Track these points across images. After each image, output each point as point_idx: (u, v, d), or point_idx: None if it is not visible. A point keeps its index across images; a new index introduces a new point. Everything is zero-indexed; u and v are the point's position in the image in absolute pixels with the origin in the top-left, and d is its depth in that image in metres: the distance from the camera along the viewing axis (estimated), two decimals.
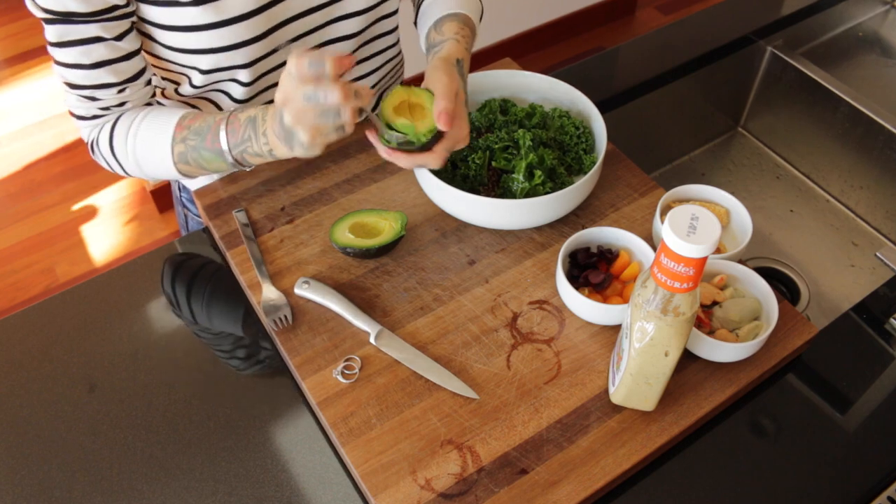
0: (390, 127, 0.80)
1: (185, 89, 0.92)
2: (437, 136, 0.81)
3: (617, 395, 0.76)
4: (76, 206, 2.31)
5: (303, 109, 0.71)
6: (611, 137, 0.97)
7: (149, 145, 0.86)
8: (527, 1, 2.56)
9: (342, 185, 0.98)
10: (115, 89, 0.85)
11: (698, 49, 1.27)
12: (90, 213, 2.29)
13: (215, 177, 1.01)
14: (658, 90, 1.25)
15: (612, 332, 0.84)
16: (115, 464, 0.78)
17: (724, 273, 0.84)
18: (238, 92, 0.92)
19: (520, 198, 0.90)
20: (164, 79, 0.94)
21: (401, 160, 0.81)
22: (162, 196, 2.24)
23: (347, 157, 1.01)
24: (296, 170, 1.00)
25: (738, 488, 0.76)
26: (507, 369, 0.80)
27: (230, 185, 0.98)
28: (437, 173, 0.91)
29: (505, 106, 0.99)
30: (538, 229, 0.93)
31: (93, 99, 0.86)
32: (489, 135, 0.94)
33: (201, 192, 0.98)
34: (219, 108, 0.96)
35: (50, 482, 0.76)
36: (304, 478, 0.76)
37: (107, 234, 2.24)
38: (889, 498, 0.76)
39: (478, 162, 0.92)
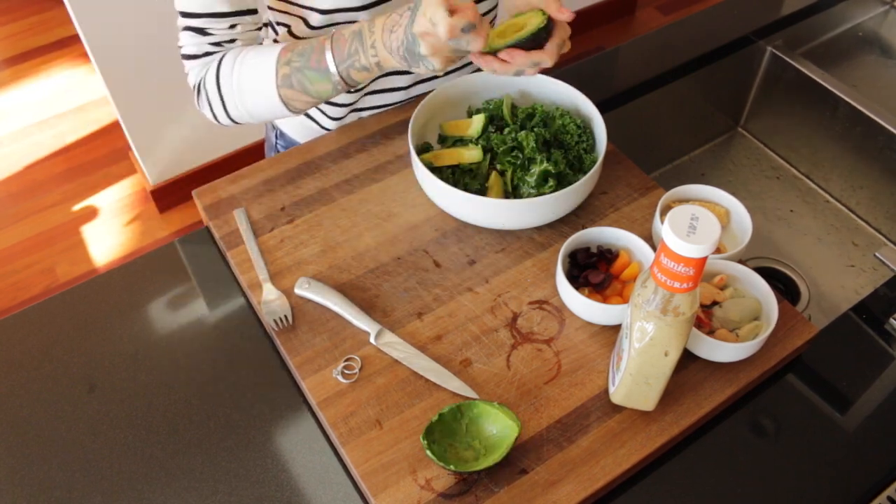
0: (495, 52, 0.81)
1: (302, 29, 0.93)
2: (547, 31, 0.81)
3: (617, 395, 0.76)
4: (76, 206, 2.31)
5: (443, 47, 0.75)
6: (611, 137, 0.97)
7: (253, 71, 0.87)
8: None
9: (342, 185, 0.98)
10: (226, 21, 0.86)
11: (698, 49, 1.27)
12: (90, 213, 2.29)
13: (311, 126, 1.05)
14: (658, 90, 1.25)
15: (612, 332, 0.84)
16: (115, 464, 0.78)
17: (724, 273, 0.84)
18: None
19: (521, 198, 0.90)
20: (278, 23, 0.94)
21: (517, 59, 0.79)
22: (162, 196, 2.24)
23: (347, 157, 1.01)
24: (296, 170, 1.00)
25: (738, 488, 0.76)
26: (507, 369, 0.80)
27: (230, 185, 0.98)
28: (437, 173, 0.92)
29: (515, 111, 0.99)
30: (538, 229, 0.93)
31: (204, 32, 0.87)
32: (492, 135, 0.94)
33: (201, 191, 0.98)
34: None
35: (50, 482, 0.76)
36: (304, 478, 0.76)
37: (107, 234, 2.24)
38: (889, 498, 0.77)
39: (479, 163, 0.93)
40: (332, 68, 0.83)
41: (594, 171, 0.89)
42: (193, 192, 0.98)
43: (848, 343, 0.88)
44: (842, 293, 1.21)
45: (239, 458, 0.78)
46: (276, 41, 0.98)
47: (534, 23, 0.81)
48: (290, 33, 0.95)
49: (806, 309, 1.19)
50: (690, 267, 0.61)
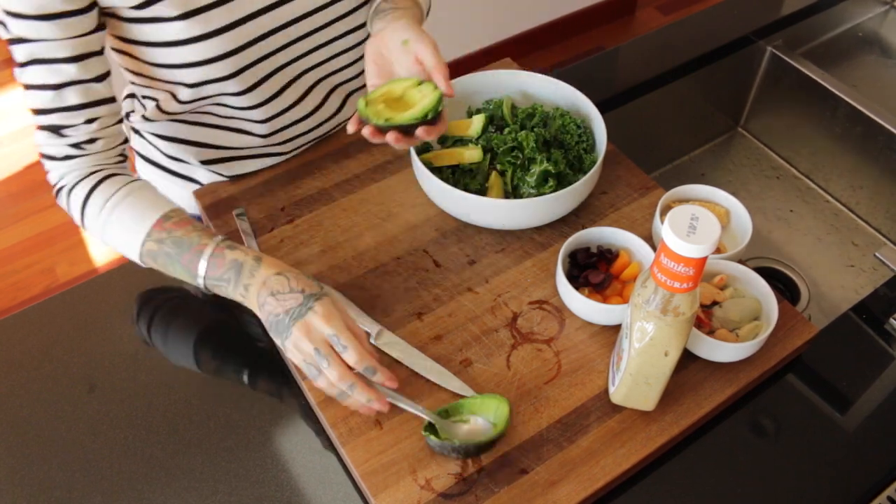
0: (382, 128, 0.79)
1: (172, 105, 0.89)
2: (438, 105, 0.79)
3: (617, 395, 0.76)
4: None
5: (305, 350, 0.72)
6: (611, 137, 0.97)
7: (121, 229, 0.81)
8: (527, 1, 2.56)
9: (342, 185, 0.98)
10: (81, 115, 0.80)
11: (698, 49, 1.27)
12: None
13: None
14: (658, 90, 1.25)
15: (612, 332, 0.84)
16: (115, 464, 0.78)
17: (724, 273, 0.84)
18: (234, 101, 0.90)
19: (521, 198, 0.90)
20: (144, 97, 0.91)
21: (407, 141, 0.80)
22: None
23: (347, 157, 1.01)
24: (296, 170, 1.00)
25: (738, 488, 0.76)
26: (507, 369, 0.80)
27: (230, 185, 0.98)
28: (437, 173, 0.92)
29: (515, 111, 0.99)
30: (538, 229, 0.93)
31: (59, 133, 0.80)
32: (492, 135, 0.94)
33: (201, 192, 0.98)
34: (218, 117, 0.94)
35: (50, 482, 0.76)
36: (304, 478, 0.76)
37: None
38: (889, 498, 0.77)
39: (479, 162, 0.93)
40: (200, 279, 0.79)
41: (594, 171, 0.89)
42: (193, 192, 0.98)
43: (848, 343, 0.88)
44: (842, 293, 1.21)
45: (239, 458, 0.78)
46: (144, 117, 0.93)
47: (429, 101, 0.79)
48: (159, 108, 0.90)
49: (806, 309, 1.19)
50: (690, 267, 0.61)
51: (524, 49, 2.65)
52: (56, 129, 0.80)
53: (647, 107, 1.25)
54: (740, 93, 1.39)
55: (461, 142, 0.97)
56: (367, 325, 0.83)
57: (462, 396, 0.78)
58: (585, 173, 0.92)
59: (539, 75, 1.00)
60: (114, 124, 0.83)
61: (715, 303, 0.82)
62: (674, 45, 1.28)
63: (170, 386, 0.83)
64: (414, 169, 0.95)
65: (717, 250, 0.89)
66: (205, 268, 0.78)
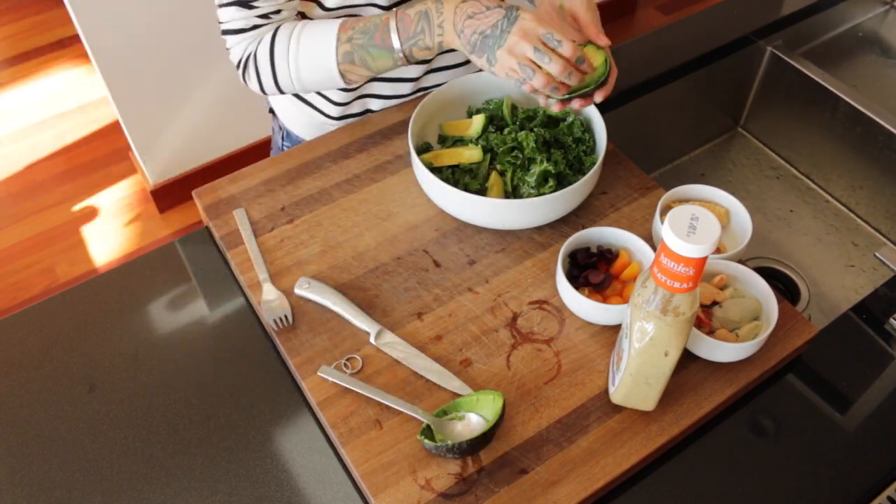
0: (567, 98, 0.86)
1: (315, 11, 0.96)
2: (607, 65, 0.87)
3: (617, 395, 0.76)
4: (76, 207, 2.31)
5: (521, 54, 0.81)
6: (611, 137, 0.97)
7: (312, 47, 0.90)
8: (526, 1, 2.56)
9: (342, 185, 0.98)
10: None
11: (698, 49, 1.27)
12: (90, 213, 2.29)
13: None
14: (658, 90, 1.25)
15: (612, 332, 0.84)
16: (115, 464, 0.78)
17: (724, 273, 0.84)
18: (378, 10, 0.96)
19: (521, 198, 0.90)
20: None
21: (585, 102, 0.88)
22: (162, 196, 2.24)
23: (347, 157, 1.01)
24: (296, 170, 1.00)
25: (738, 488, 0.76)
26: (507, 369, 0.80)
27: (230, 185, 0.98)
28: (437, 173, 0.92)
29: (515, 111, 0.99)
30: (538, 229, 0.93)
31: (249, 6, 0.88)
32: (492, 135, 0.94)
33: (201, 192, 0.98)
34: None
35: (50, 482, 0.76)
36: (304, 478, 0.76)
37: (107, 234, 2.23)
38: (889, 498, 0.77)
39: (479, 162, 0.93)
40: (397, 45, 0.87)
41: (594, 172, 0.89)
42: (193, 192, 0.98)
43: (848, 343, 0.88)
44: (842, 293, 1.21)
45: (239, 458, 0.78)
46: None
47: (600, 62, 0.87)
48: (322, 6, 0.97)
49: (806, 309, 1.19)
50: (690, 267, 0.61)
51: None
52: (247, 3, 0.89)
53: (647, 107, 1.25)
54: (740, 93, 1.39)
55: (461, 142, 0.97)
56: (367, 325, 0.83)
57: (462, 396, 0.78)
58: (585, 174, 0.92)
59: None
60: (296, 0, 0.93)
61: (715, 303, 0.82)
62: (674, 45, 1.28)
63: (170, 386, 0.83)
64: (414, 169, 0.95)
65: (717, 250, 0.89)
66: (397, 34, 0.86)
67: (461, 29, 0.84)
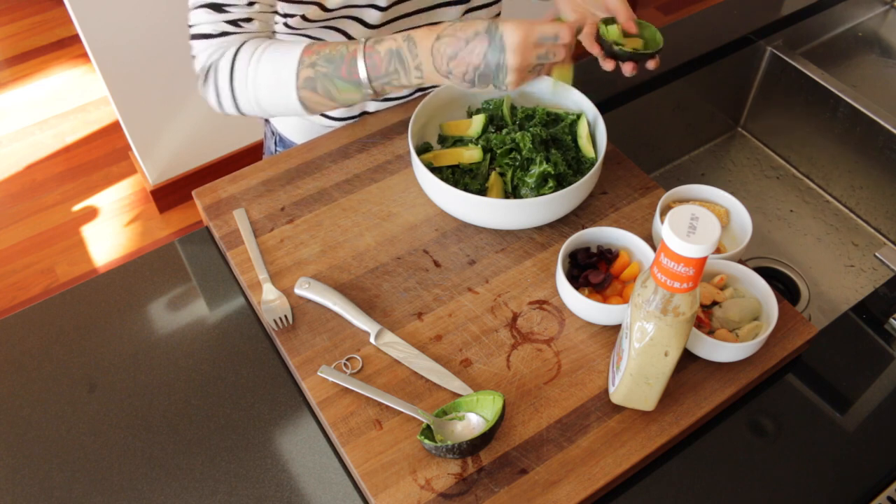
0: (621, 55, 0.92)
1: (316, 13, 0.92)
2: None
3: (617, 395, 0.76)
4: (76, 207, 2.31)
5: (526, 67, 0.80)
6: (611, 137, 0.97)
7: (272, 68, 0.85)
8: (527, 1, 2.56)
9: (342, 185, 0.98)
10: None
11: (698, 49, 1.27)
12: (90, 213, 2.29)
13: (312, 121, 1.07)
14: (658, 90, 1.25)
15: (612, 332, 0.84)
16: (115, 464, 0.78)
17: (724, 273, 0.84)
18: (373, 17, 0.93)
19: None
20: (293, 1, 0.93)
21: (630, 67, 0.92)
22: (162, 196, 2.24)
23: (347, 157, 1.01)
24: (296, 170, 1.00)
25: (738, 488, 0.76)
26: (507, 369, 0.80)
27: (230, 184, 0.98)
28: (437, 173, 0.92)
29: (514, 111, 0.99)
30: (538, 229, 0.93)
31: (220, 9, 0.85)
32: (491, 135, 0.94)
33: (201, 191, 0.98)
34: (348, 37, 0.97)
35: (50, 482, 0.76)
36: (304, 478, 0.76)
37: (107, 234, 2.24)
38: (889, 498, 0.77)
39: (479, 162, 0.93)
40: (365, 81, 0.83)
41: (594, 172, 0.89)
42: (193, 192, 0.98)
43: (848, 343, 0.88)
44: (842, 293, 1.21)
45: (239, 458, 0.78)
46: (287, 25, 0.97)
47: (656, 38, 0.93)
48: (305, 18, 0.94)
49: (806, 309, 1.19)
50: (690, 267, 0.61)
51: None
52: (218, 6, 0.85)
53: (647, 107, 1.25)
54: (740, 93, 1.39)
55: (461, 142, 0.97)
56: (367, 325, 0.83)
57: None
58: (585, 174, 0.92)
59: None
60: (270, 11, 0.89)
61: (715, 303, 0.82)
62: (674, 45, 1.28)
63: (170, 386, 0.83)
64: (414, 169, 0.95)
65: (717, 250, 0.89)
66: (365, 71, 0.82)
67: (448, 71, 0.80)
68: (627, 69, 0.91)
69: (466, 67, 0.80)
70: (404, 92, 1.08)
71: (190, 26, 0.88)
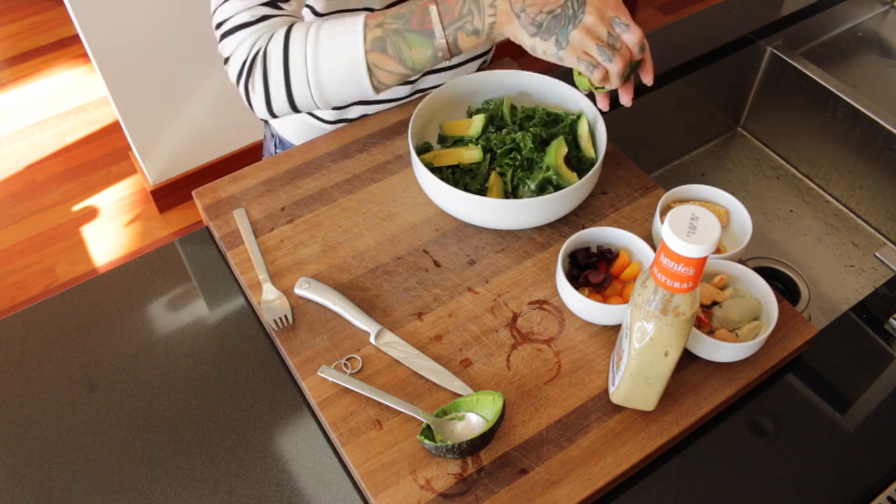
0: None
1: (308, 16, 0.90)
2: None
3: (617, 395, 0.76)
4: (76, 207, 2.31)
5: (597, 36, 0.77)
6: (611, 137, 0.97)
7: (335, 35, 0.79)
8: None
9: (342, 185, 0.98)
10: None
11: (698, 49, 1.27)
12: (90, 213, 2.29)
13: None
14: (658, 90, 1.25)
15: (612, 332, 0.84)
16: (115, 464, 0.78)
17: (724, 273, 0.84)
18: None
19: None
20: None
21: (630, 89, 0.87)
22: (162, 196, 2.24)
23: (347, 157, 1.01)
24: (296, 170, 1.00)
25: (738, 488, 0.76)
26: (507, 369, 0.80)
27: (230, 185, 0.98)
28: (437, 173, 0.92)
29: (514, 111, 0.99)
30: (538, 229, 0.93)
31: None
32: (491, 135, 0.94)
33: (201, 191, 0.98)
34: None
35: (50, 482, 0.76)
36: (304, 478, 0.76)
37: (107, 234, 2.24)
38: (889, 498, 0.77)
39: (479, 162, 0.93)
40: (438, 30, 0.77)
41: (594, 172, 0.89)
42: (193, 192, 0.98)
43: (848, 343, 0.88)
44: (842, 293, 1.21)
45: (239, 458, 0.78)
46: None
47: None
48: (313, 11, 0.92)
49: (806, 309, 1.19)
50: (690, 267, 0.61)
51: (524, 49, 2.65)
52: None
53: (647, 107, 1.25)
54: (740, 93, 1.39)
55: (461, 142, 0.97)
56: (367, 325, 0.83)
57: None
58: (585, 174, 0.92)
59: (539, 75, 1.00)
60: None
61: (715, 303, 0.82)
62: (674, 45, 1.28)
63: (170, 386, 0.83)
64: (414, 169, 0.95)
65: (717, 250, 0.89)
66: (438, 16, 0.77)
67: (522, 7, 0.76)
68: (625, 99, 0.88)
69: (542, 8, 0.76)
70: (405, 92, 1.07)
71: (219, 25, 0.82)
